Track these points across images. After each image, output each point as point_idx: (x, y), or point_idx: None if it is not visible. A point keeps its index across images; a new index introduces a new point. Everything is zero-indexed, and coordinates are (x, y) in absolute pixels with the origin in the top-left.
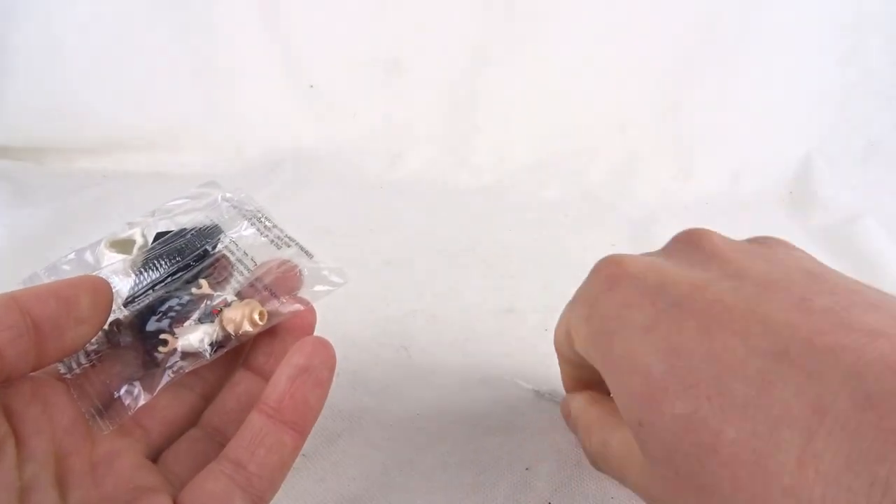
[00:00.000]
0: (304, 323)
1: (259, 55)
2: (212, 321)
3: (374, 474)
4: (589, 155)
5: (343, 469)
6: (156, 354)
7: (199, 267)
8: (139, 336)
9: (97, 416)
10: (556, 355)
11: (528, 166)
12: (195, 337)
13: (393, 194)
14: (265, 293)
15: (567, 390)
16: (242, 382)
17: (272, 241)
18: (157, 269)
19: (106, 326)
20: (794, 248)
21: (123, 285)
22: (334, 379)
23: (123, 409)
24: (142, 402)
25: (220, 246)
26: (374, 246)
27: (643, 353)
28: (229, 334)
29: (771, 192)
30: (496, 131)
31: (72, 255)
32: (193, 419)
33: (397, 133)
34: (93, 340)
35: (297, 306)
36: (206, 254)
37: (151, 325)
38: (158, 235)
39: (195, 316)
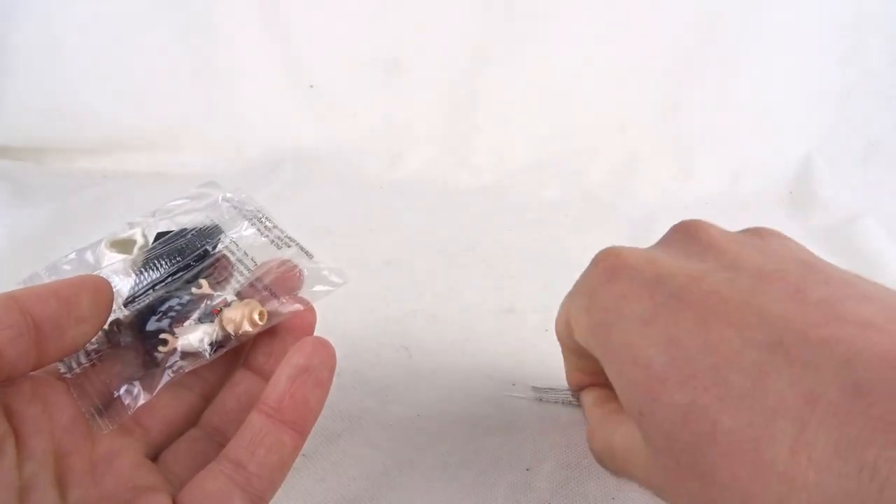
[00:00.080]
0: (305, 323)
1: (259, 55)
2: (212, 321)
3: (374, 474)
4: (589, 155)
5: (343, 469)
6: (156, 354)
7: (200, 267)
8: (139, 336)
9: (97, 416)
10: (556, 354)
11: (528, 166)
12: (195, 337)
13: (393, 194)
14: (265, 293)
15: (569, 380)
16: (242, 382)
17: (272, 241)
18: (157, 268)
19: (106, 326)
20: (788, 238)
21: (124, 285)
22: (335, 379)
23: (123, 409)
24: (141, 401)
25: (220, 246)
26: (374, 246)
27: (642, 344)
28: (229, 334)
29: (771, 192)
30: (496, 131)
31: (72, 255)
32: (193, 419)
33: (397, 133)
34: (93, 340)
35: (297, 306)
36: (206, 254)
37: (151, 325)
38: (159, 235)
39: (195, 316)
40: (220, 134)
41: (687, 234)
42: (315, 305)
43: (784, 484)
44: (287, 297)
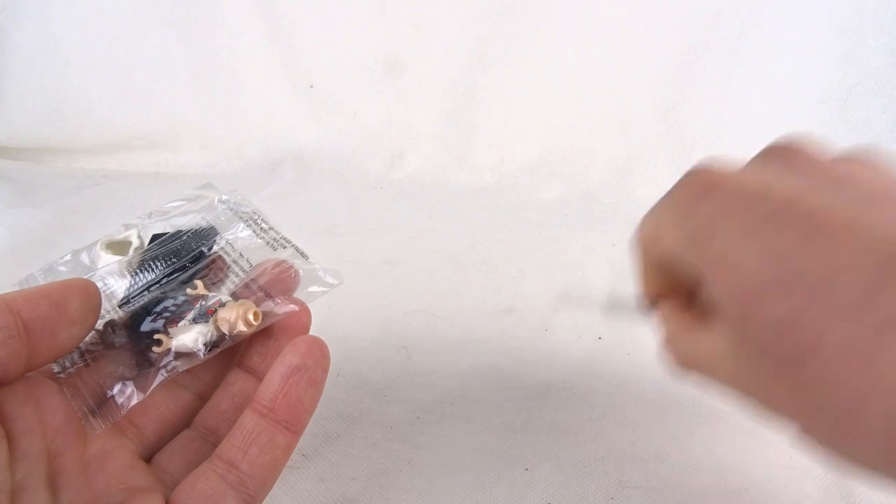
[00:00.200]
0: (299, 324)
1: (259, 55)
2: (206, 321)
3: (374, 474)
4: (589, 155)
5: (343, 469)
6: (150, 354)
7: (195, 268)
8: (133, 336)
9: (90, 415)
10: (556, 354)
11: (528, 166)
12: (189, 337)
13: (393, 194)
14: (260, 294)
15: (645, 291)
16: (237, 383)
17: (268, 242)
18: (152, 270)
19: (100, 327)
20: (888, 159)
21: (119, 286)
22: (335, 379)
23: (116, 409)
24: (135, 401)
25: (215, 247)
26: (374, 246)
27: (744, 255)
28: (224, 334)
29: None
30: (496, 131)
31: (68, 257)
32: (188, 419)
33: (397, 133)
34: (88, 340)
35: (292, 307)
36: (201, 255)
37: (146, 326)
38: (154, 237)
39: (190, 316)
40: (220, 134)
41: (785, 152)
42: (312, 306)
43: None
44: (282, 298)
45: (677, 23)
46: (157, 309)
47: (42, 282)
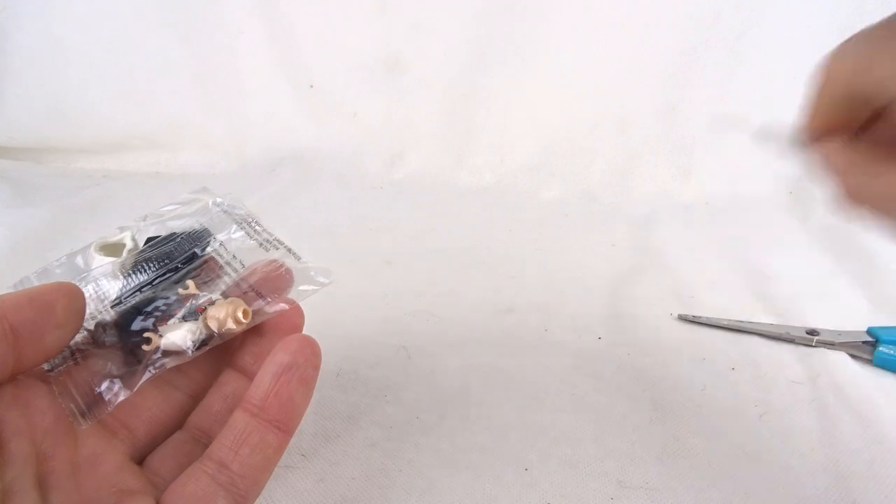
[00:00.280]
0: (292, 324)
1: (259, 55)
2: (196, 319)
3: (374, 474)
4: (589, 155)
5: (343, 469)
6: (139, 352)
7: (187, 269)
8: (124, 335)
9: (77, 412)
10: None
11: (528, 166)
12: (178, 335)
13: (393, 194)
14: (251, 293)
15: (813, 125)
16: (230, 383)
17: (260, 244)
18: (145, 271)
19: (92, 327)
20: None
21: (112, 287)
22: (334, 379)
23: (103, 405)
24: (121, 398)
25: (208, 249)
26: (374, 246)
27: None
28: (213, 332)
29: (771, 192)
30: (496, 131)
31: (63, 259)
32: (181, 420)
33: (397, 133)
34: (79, 340)
35: (282, 305)
36: (194, 256)
37: (137, 325)
38: (149, 240)
39: (180, 314)
40: (220, 134)
41: None
42: (312, 306)
43: None
44: (272, 297)
45: (677, 23)
46: (149, 308)
47: (37, 283)
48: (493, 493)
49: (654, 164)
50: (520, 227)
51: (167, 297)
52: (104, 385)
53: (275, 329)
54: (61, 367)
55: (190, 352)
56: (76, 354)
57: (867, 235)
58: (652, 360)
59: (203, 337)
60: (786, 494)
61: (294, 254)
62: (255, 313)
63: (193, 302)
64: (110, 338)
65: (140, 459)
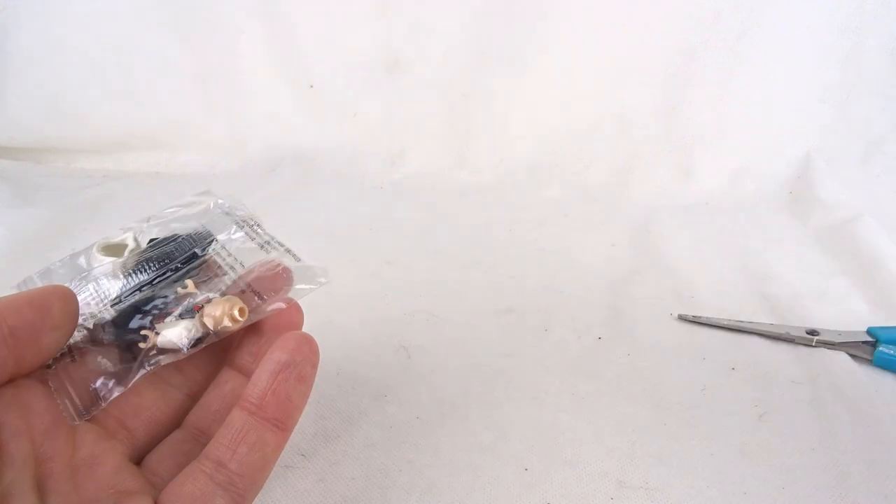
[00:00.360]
0: (291, 322)
1: (259, 55)
2: (192, 317)
3: (374, 474)
4: (589, 155)
5: (343, 469)
6: (135, 350)
7: (186, 269)
8: (121, 332)
9: (71, 409)
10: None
11: (528, 166)
12: (174, 332)
13: (393, 194)
14: (248, 291)
15: None
16: (228, 382)
17: (260, 245)
18: (146, 271)
19: (91, 325)
20: None
21: (113, 287)
22: (334, 379)
23: (97, 401)
24: (115, 394)
25: (209, 249)
26: (374, 246)
27: None
28: (209, 330)
29: (771, 192)
30: (496, 131)
31: (66, 259)
32: (180, 419)
33: (397, 133)
34: (78, 338)
35: (280, 304)
36: (194, 256)
37: (135, 323)
38: (151, 241)
39: (177, 312)
40: (221, 134)
41: None
42: (312, 306)
43: None
44: (269, 295)
45: (677, 23)
46: (147, 307)
47: (40, 284)
48: (493, 493)
49: (654, 164)
50: (520, 227)
51: (165, 296)
52: (99, 382)
53: (274, 328)
54: (59, 365)
55: (185, 349)
56: (74, 352)
57: (867, 235)
58: (652, 360)
59: (199, 335)
60: (786, 494)
61: (293, 255)
62: (252, 312)
63: (191, 300)
64: (108, 336)
65: (139, 459)
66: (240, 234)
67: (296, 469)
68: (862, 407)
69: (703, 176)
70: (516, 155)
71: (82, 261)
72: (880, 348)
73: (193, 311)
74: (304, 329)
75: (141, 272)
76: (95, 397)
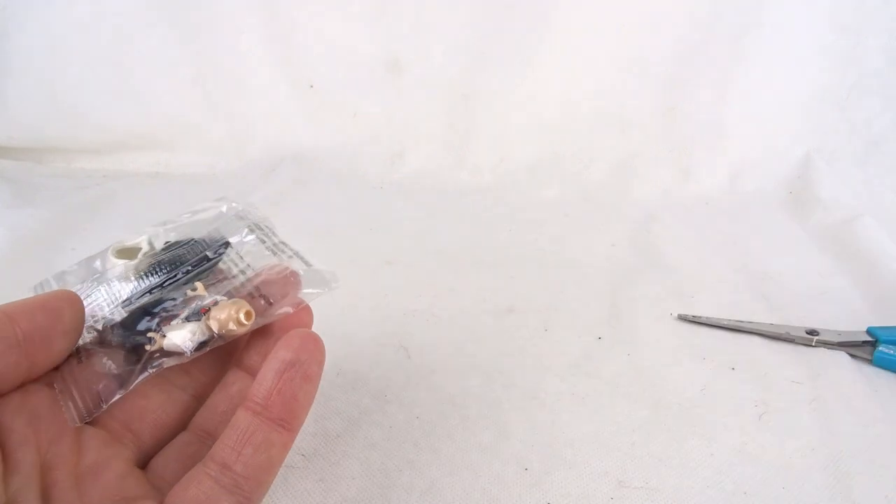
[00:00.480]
0: (302, 324)
1: (259, 55)
2: (199, 320)
3: (374, 474)
4: (589, 155)
5: (343, 469)
6: (141, 352)
7: (197, 271)
8: (128, 335)
9: (73, 410)
10: (556, 353)
11: (528, 166)
12: (180, 335)
13: (393, 194)
14: (257, 295)
15: None
16: (236, 383)
17: (271, 249)
18: (157, 273)
19: (101, 327)
20: None
21: (124, 289)
22: (334, 379)
23: (99, 403)
24: (117, 396)
25: (221, 252)
26: (374, 246)
27: None
28: (214, 333)
29: (771, 192)
30: (496, 131)
31: (82, 261)
32: (186, 421)
33: (397, 133)
34: (88, 340)
35: (287, 308)
36: (206, 259)
37: (142, 325)
38: (166, 244)
39: (183, 314)
40: (221, 134)
41: None
42: (311, 306)
43: None
44: (278, 299)
45: (677, 23)
46: (155, 309)
47: (56, 286)
48: (493, 493)
49: (654, 164)
50: (520, 227)
51: (174, 299)
52: (101, 384)
53: (284, 329)
54: (65, 367)
55: (189, 352)
56: (81, 354)
57: (867, 235)
58: (652, 360)
59: (204, 338)
60: (786, 494)
61: (304, 259)
62: (259, 315)
63: (198, 303)
64: (116, 337)
65: (144, 463)
66: (251, 237)
67: (296, 469)
68: (862, 407)
69: (703, 176)
70: (516, 155)
71: (98, 264)
72: (880, 348)
73: (200, 314)
74: None
75: (153, 275)
76: (98, 400)
